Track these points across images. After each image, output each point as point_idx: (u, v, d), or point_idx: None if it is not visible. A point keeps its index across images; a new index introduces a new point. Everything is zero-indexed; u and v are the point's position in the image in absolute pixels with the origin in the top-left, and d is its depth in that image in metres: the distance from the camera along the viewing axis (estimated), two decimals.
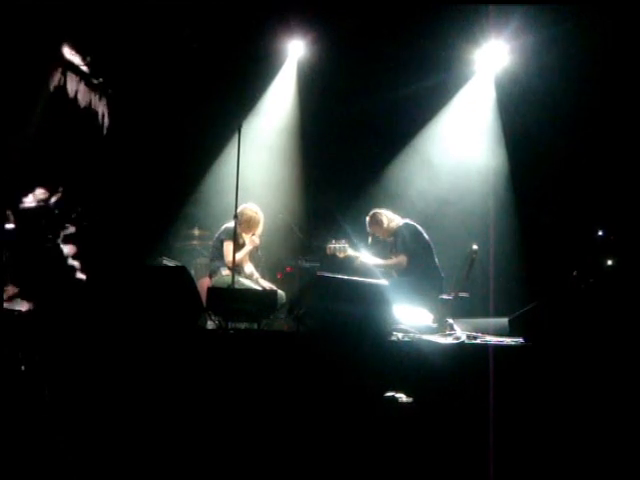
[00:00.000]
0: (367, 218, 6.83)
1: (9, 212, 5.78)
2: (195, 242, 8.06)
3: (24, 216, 5.81)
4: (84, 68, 6.65)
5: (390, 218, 6.77)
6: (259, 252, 7.05)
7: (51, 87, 6.41)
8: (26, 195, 6.01)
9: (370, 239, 6.89)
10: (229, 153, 7.78)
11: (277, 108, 8.51)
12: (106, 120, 7.08)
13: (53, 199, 6.08)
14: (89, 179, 7.27)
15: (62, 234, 6.00)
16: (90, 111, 6.89)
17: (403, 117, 8.44)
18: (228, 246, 6.45)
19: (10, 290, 5.18)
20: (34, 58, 6.02)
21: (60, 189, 6.14)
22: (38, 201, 6.00)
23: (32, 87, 6.12)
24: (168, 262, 7.33)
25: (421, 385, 4.43)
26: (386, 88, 8.18)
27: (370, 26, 7.59)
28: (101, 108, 6.99)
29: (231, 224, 6.35)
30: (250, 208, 6.67)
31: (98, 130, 7.11)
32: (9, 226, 5.73)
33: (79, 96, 6.67)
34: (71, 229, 6.08)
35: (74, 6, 6.34)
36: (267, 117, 8.43)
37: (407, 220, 6.78)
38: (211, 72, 7.93)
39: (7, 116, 5.77)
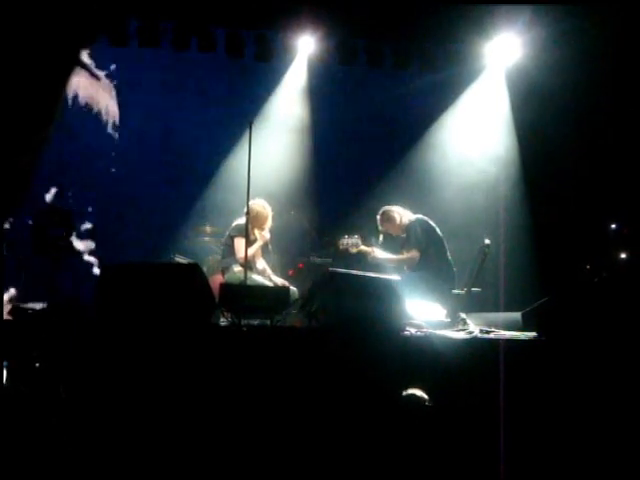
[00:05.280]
0: (378, 216, 6.75)
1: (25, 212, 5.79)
2: (207, 239, 8.08)
3: (40, 216, 5.82)
4: (89, 61, 6.64)
5: (402, 214, 6.71)
6: (270, 247, 7.05)
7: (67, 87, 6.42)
8: (42, 195, 6.02)
9: (381, 237, 6.84)
10: (240, 150, 7.79)
11: (288, 104, 8.50)
12: (115, 116, 7.08)
13: (67, 195, 6.09)
14: (101, 175, 7.29)
15: (78, 230, 5.99)
16: (95, 106, 6.88)
17: (413, 112, 8.42)
18: (239, 242, 6.44)
19: (23, 289, 5.20)
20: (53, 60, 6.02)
21: (73, 186, 6.15)
22: (53, 199, 6.01)
23: (52, 89, 6.14)
24: (181, 259, 7.35)
25: (435, 380, 4.43)
26: (396, 83, 8.17)
27: (379, 20, 7.56)
28: (105, 102, 6.97)
29: (241, 220, 6.37)
30: (257, 203, 6.65)
31: (105, 125, 7.11)
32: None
33: (82, 91, 6.66)
34: (87, 225, 6.08)
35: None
36: (278, 113, 8.42)
37: (419, 215, 6.73)
38: (222, 69, 7.93)
39: (27, 119, 5.78)
